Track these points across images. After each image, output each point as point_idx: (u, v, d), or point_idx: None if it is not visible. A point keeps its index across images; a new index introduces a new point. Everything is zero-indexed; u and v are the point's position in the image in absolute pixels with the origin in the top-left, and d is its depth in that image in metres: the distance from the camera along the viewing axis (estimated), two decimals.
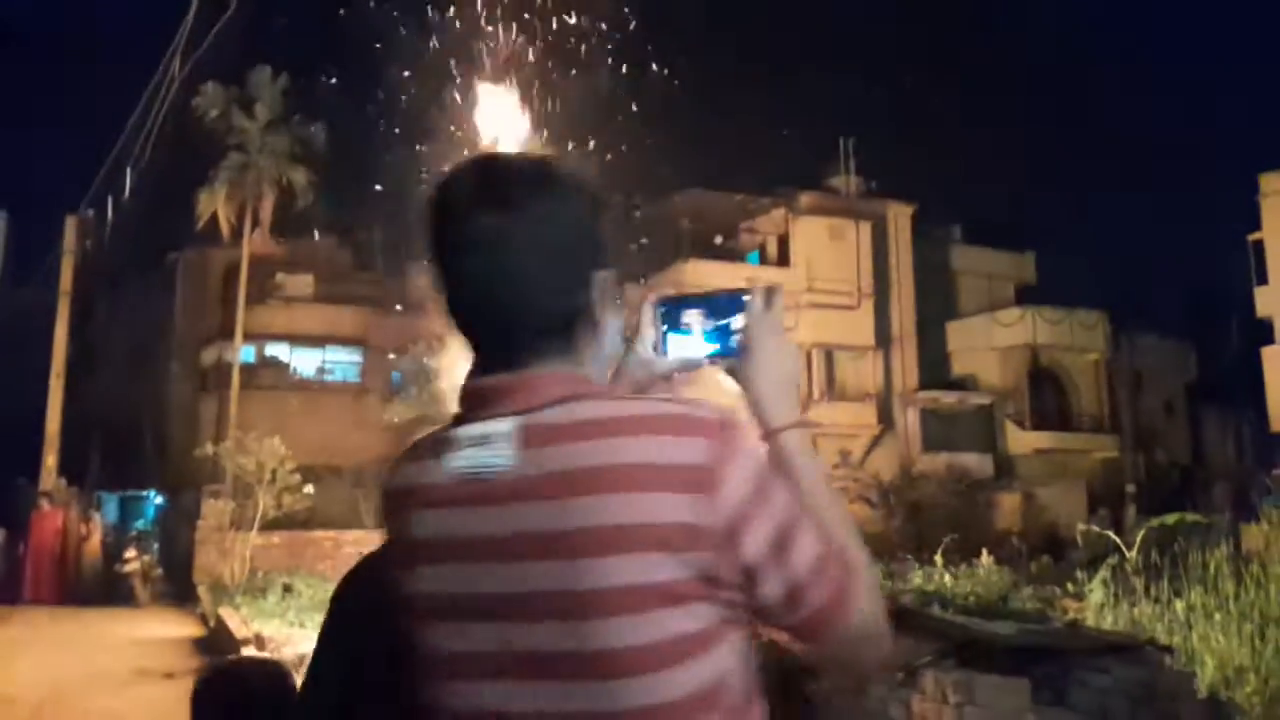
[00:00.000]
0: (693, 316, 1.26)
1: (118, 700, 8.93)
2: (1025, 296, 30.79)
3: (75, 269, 19.14)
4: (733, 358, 1.23)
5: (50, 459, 18.32)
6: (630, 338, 1.28)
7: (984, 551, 13.31)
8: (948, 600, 5.93)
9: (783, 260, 27.90)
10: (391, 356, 24.43)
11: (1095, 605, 10.01)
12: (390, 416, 23.10)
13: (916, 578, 9.72)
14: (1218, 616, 8.10)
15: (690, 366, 1.26)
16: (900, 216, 29.34)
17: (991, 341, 29.30)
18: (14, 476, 19.12)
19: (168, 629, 13.77)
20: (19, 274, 19.65)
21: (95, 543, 16.80)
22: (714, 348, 1.25)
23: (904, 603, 5.64)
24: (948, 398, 28.61)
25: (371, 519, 19.59)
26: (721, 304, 1.26)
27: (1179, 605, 8.84)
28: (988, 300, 30.78)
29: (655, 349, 1.25)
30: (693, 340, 1.25)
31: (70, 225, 19.16)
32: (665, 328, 1.26)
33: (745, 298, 1.25)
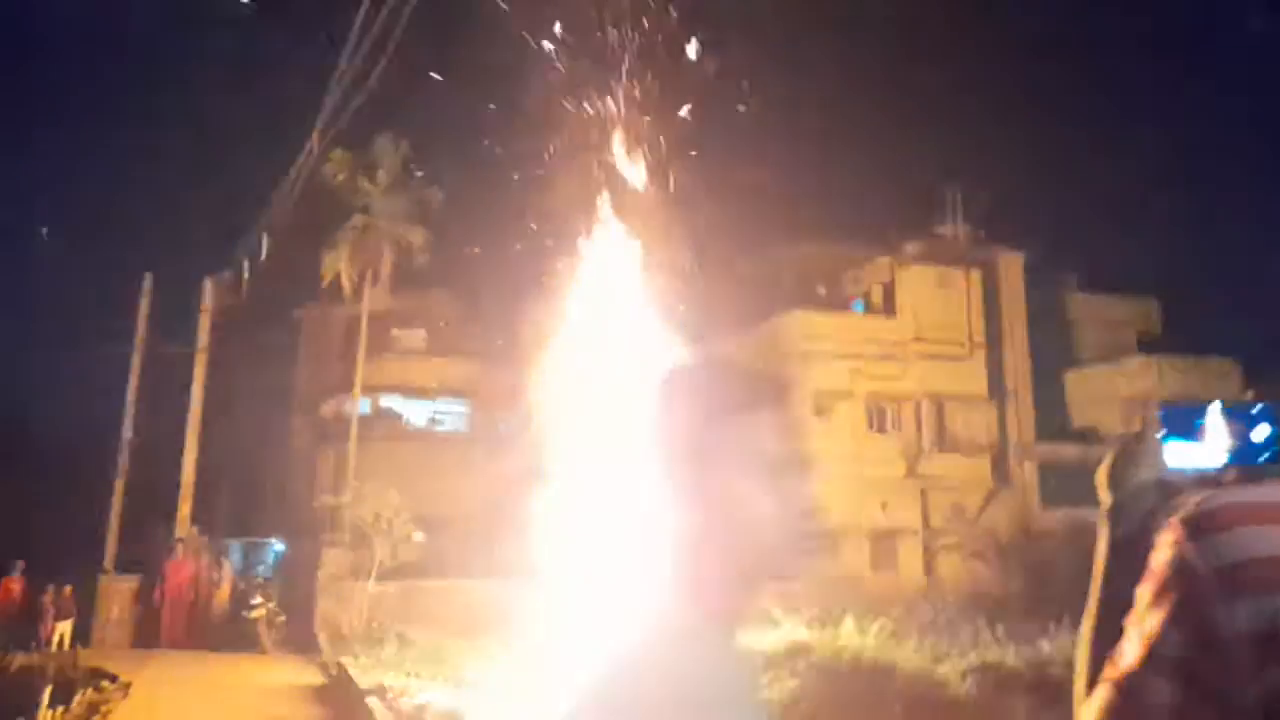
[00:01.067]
0: (1207, 421, 1.21)
1: None
2: (1150, 345, 29.37)
3: (211, 327, 20.37)
4: (1254, 467, 1.17)
5: (185, 508, 19.33)
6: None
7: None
8: None
9: (888, 309, 27.43)
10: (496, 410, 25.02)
11: None
12: (498, 467, 23.56)
13: (1051, 645, 9.25)
14: None
15: (1206, 475, 1.20)
16: (1011, 264, 28.52)
17: (1114, 391, 27.97)
18: (152, 524, 20.21)
19: (291, 676, 14.20)
20: (162, 333, 20.99)
21: (225, 590, 17.56)
22: (1223, 456, 1.20)
23: (1053, 672, 5.37)
24: (1067, 450, 27.35)
25: (479, 568, 19.92)
26: (1238, 414, 1.21)
27: None
28: (1109, 349, 29.48)
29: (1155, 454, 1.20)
30: (1202, 447, 1.21)
31: (208, 286, 20.45)
32: (1165, 432, 1.22)
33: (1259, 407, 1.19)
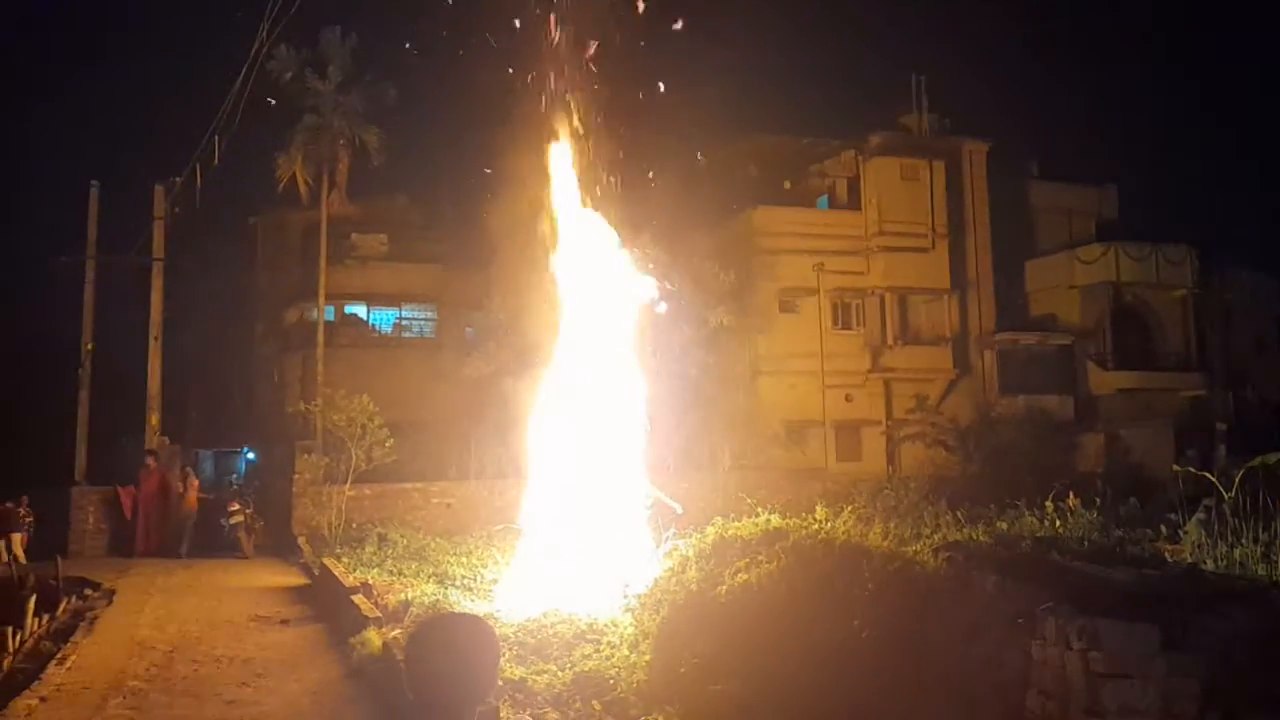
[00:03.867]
0: None
1: (241, 645, 9.46)
2: (1108, 233, 29.74)
3: (166, 235, 19.81)
4: None
5: (153, 418, 19.19)
6: None
7: (1071, 495, 13.11)
8: (1061, 546, 5.91)
9: (853, 204, 27.38)
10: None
11: (1193, 547, 9.85)
12: (467, 371, 23.60)
13: (1003, 522, 9.65)
14: None
15: None
16: (975, 154, 28.45)
17: (1072, 280, 28.45)
18: (120, 436, 20.08)
19: (275, 578, 14.46)
20: (117, 243, 20.38)
21: (192, 498, 17.51)
22: None
23: (1021, 548, 5.65)
24: (1026, 339, 27.98)
25: (454, 470, 20.16)
26: None
27: None
28: (1068, 238, 29.83)
29: None
30: None
31: (158, 194, 19.79)
32: None
33: None
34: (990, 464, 23.08)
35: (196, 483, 17.98)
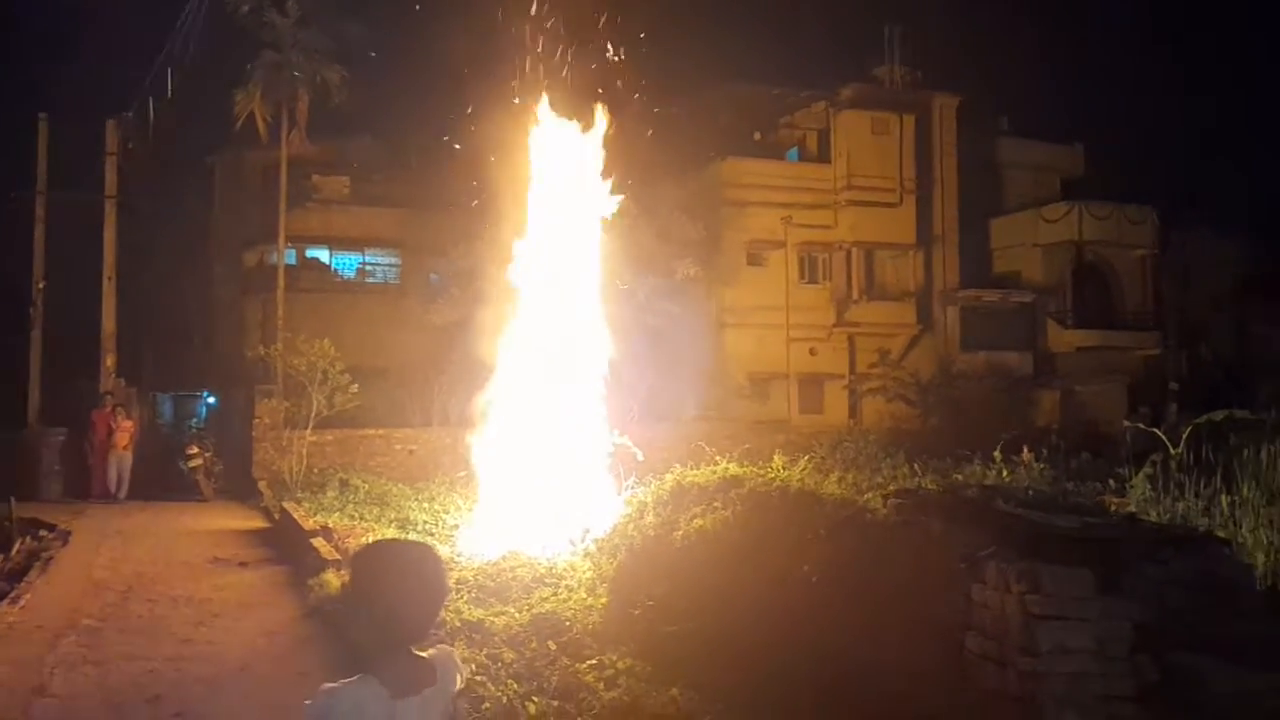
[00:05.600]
0: None
1: (198, 586, 9.45)
2: (1074, 191, 30.01)
3: (119, 172, 19.26)
4: None
5: (109, 360, 18.85)
6: None
7: (1024, 449, 13.40)
8: (1007, 494, 6.05)
9: (823, 156, 27.32)
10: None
11: (1138, 500, 10.14)
12: (431, 318, 23.42)
13: (967, 474, 9.87)
14: (1268, 511, 8.18)
15: None
16: (946, 108, 28.45)
17: (1036, 238, 28.76)
18: (75, 378, 19.73)
19: (234, 522, 14.40)
20: (67, 179, 19.75)
21: (123, 440, 16.98)
22: None
23: (968, 495, 5.77)
24: (989, 296, 28.32)
25: (417, 417, 20.10)
26: None
27: (1224, 500, 8.93)
28: (1034, 195, 30.06)
29: None
30: None
31: (110, 128, 19.19)
32: None
33: None
34: (949, 418, 23.51)
35: (130, 424, 17.44)
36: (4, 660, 6.80)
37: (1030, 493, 7.01)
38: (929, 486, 8.21)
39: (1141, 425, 13.85)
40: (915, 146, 27.37)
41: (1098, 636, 4.37)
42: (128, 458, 17.15)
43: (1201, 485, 9.72)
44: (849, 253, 27.07)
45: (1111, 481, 11.47)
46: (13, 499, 14.50)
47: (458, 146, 15.43)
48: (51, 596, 8.93)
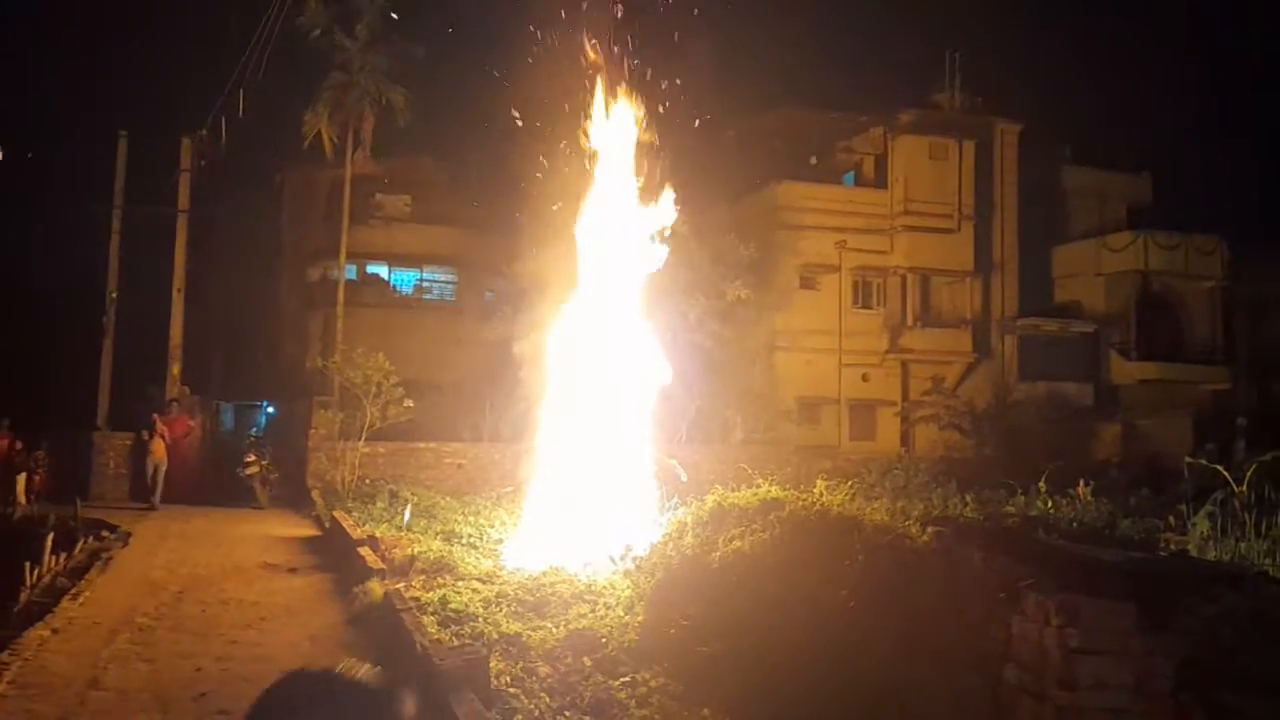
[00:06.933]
0: None
1: (248, 590, 9.69)
2: (1140, 220, 29.27)
3: (192, 187, 20.00)
4: None
5: (175, 368, 19.52)
6: None
7: (1081, 482, 13.06)
8: (1050, 525, 5.93)
9: (879, 181, 27.12)
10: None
11: (1199, 538, 9.82)
12: (485, 335, 23.75)
13: (1012, 505, 9.65)
14: None
15: None
16: (1007, 134, 28.04)
17: (1100, 267, 28.09)
18: (143, 385, 20.44)
19: (286, 529, 14.73)
20: (143, 194, 20.60)
21: (159, 447, 17.33)
22: None
23: (1008, 525, 5.67)
24: (1049, 325, 27.71)
25: (468, 432, 20.36)
26: None
27: None
28: (1098, 223, 29.41)
29: None
30: None
31: (186, 146, 19.96)
32: None
33: None
34: (1004, 448, 23.00)
35: (164, 431, 17.78)
36: (63, 652, 7.07)
37: (1075, 525, 6.85)
38: (969, 515, 8.06)
39: (1205, 461, 13.40)
40: (975, 172, 27.01)
41: (1138, 673, 4.26)
42: (164, 465, 17.41)
43: (1265, 525, 9.40)
44: (904, 278, 26.77)
45: (1171, 519, 11.13)
46: (78, 499, 15.06)
47: (514, 166, 15.71)
48: (110, 595, 9.25)
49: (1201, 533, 10.02)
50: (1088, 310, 28.15)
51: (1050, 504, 9.65)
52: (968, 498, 14.07)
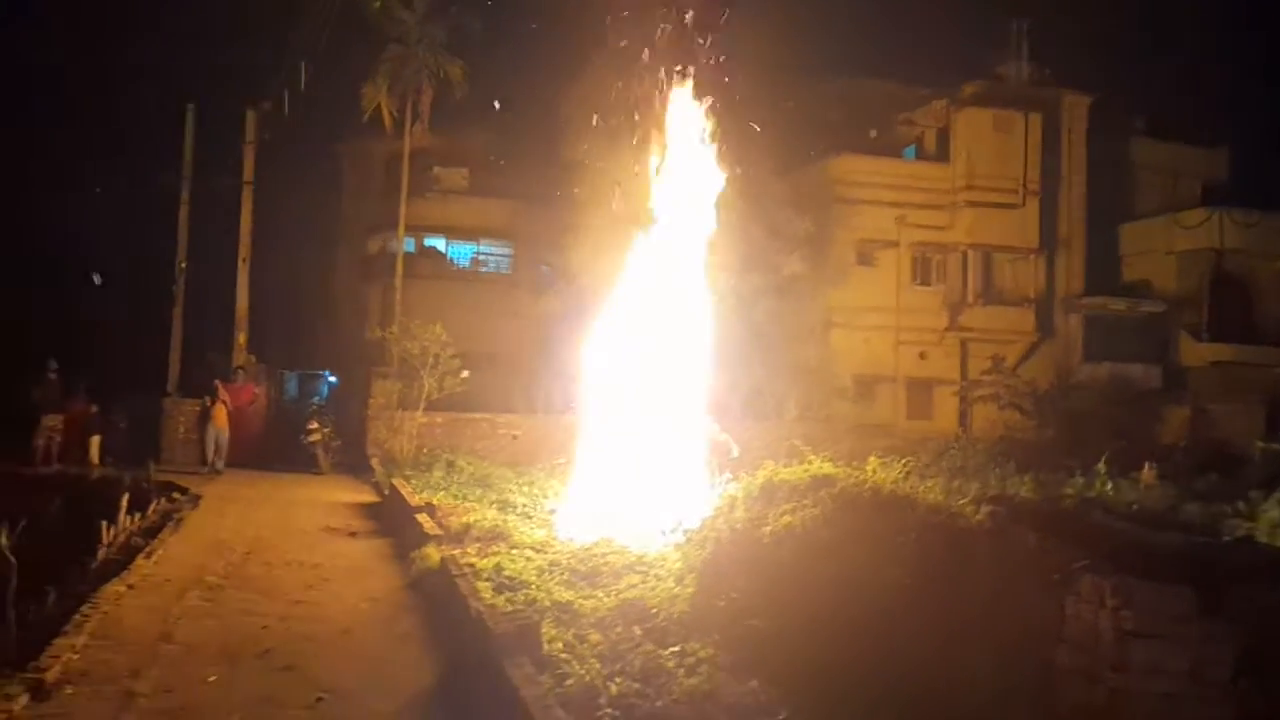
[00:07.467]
0: None
1: (311, 552, 10.02)
2: (1215, 197, 28.16)
3: (255, 159, 20.46)
4: None
5: (241, 337, 20.09)
6: None
7: (1146, 465, 12.75)
8: (1109, 508, 5.83)
9: (941, 155, 26.53)
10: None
11: (1269, 524, 9.54)
12: (540, 308, 23.95)
13: (1070, 486, 9.50)
14: None
15: None
16: (1076, 107, 27.17)
17: (1171, 245, 27.15)
18: (209, 352, 21.08)
19: (347, 495, 15.15)
20: (207, 165, 21.14)
21: (221, 413, 17.86)
22: None
23: (1064, 507, 5.60)
24: (1116, 304, 26.93)
25: (522, 404, 20.61)
26: None
27: None
28: (1171, 199, 28.39)
29: None
30: None
31: (250, 118, 20.40)
32: None
33: None
34: (1066, 430, 22.49)
35: (227, 398, 18.24)
36: (138, 607, 7.41)
37: (1134, 508, 6.72)
38: (1025, 495, 7.95)
39: (1277, 447, 12.98)
40: (1041, 146, 26.25)
41: (1194, 659, 4.19)
42: (225, 433, 17.92)
43: None
44: (965, 255, 26.23)
45: (1241, 504, 10.82)
46: (151, 462, 15.64)
47: (570, 139, 15.73)
48: (180, 554, 9.64)
49: (1272, 519, 9.74)
50: (1157, 289, 27.29)
51: (1110, 486, 9.46)
52: (1025, 479, 13.85)
